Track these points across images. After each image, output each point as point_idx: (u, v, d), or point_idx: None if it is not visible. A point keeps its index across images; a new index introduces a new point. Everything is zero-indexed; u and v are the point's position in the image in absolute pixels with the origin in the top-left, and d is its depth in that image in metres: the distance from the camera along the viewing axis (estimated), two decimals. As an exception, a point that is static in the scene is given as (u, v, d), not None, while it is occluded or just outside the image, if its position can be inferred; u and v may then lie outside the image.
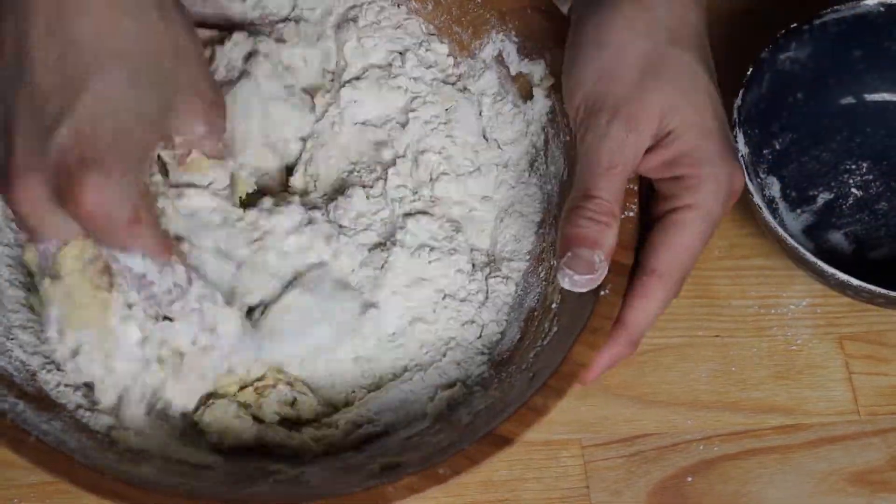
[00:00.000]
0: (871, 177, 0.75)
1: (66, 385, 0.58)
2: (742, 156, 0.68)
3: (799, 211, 0.74)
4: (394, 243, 0.64)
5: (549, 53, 0.66)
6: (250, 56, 0.66)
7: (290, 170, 0.67)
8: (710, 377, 0.69)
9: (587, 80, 0.59)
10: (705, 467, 0.66)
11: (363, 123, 0.68)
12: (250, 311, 0.61)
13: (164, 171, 0.59)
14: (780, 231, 0.66)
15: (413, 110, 0.68)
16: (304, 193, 0.66)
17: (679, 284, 0.59)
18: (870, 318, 0.71)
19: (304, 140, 0.67)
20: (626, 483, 0.66)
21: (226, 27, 0.68)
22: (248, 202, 0.63)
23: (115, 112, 0.53)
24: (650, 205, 0.60)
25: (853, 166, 0.75)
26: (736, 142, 0.67)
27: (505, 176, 0.68)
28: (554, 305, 0.61)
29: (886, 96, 0.76)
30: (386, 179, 0.66)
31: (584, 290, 0.57)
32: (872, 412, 0.69)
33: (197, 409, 0.60)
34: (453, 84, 0.70)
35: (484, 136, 0.69)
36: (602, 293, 0.58)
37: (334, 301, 0.62)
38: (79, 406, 0.58)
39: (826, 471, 0.67)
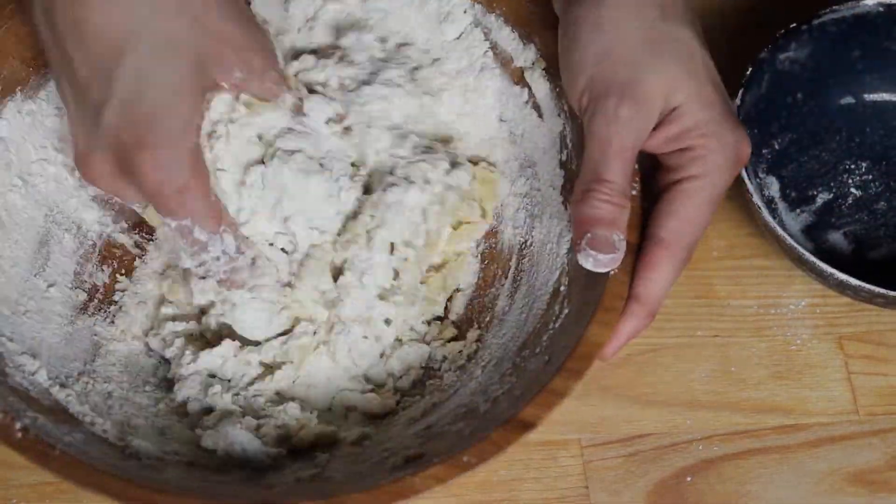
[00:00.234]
0: (870, 177, 0.75)
1: (79, 399, 0.59)
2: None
3: (798, 211, 0.74)
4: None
5: (537, 38, 0.66)
6: None
7: None
8: (709, 377, 0.69)
9: (588, 64, 0.60)
10: (705, 467, 0.66)
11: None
12: None
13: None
14: (780, 231, 0.66)
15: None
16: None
17: (688, 253, 0.59)
18: (869, 318, 0.71)
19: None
20: (625, 483, 0.66)
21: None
22: None
23: (148, 91, 0.57)
24: (655, 176, 0.61)
25: (852, 166, 0.75)
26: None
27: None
28: (562, 288, 0.61)
29: (885, 96, 0.76)
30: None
31: (606, 269, 0.57)
32: (871, 412, 0.69)
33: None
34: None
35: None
36: (611, 273, 0.58)
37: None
38: (93, 422, 0.58)
39: (825, 471, 0.67)
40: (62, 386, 0.59)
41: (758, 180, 0.73)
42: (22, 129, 0.64)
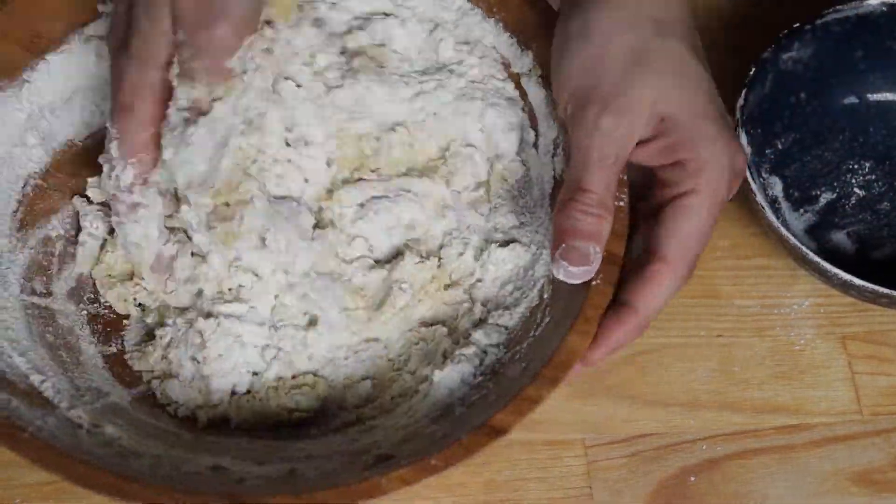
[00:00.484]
0: (873, 176, 0.75)
1: (56, 385, 0.59)
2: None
3: (801, 211, 0.74)
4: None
5: (535, 44, 0.66)
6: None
7: None
8: (712, 377, 0.69)
9: (574, 75, 0.60)
10: (708, 467, 0.66)
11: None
12: None
13: None
14: (783, 231, 0.66)
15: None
16: None
17: (690, 268, 0.59)
18: (872, 318, 0.71)
19: None
20: (628, 483, 0.66)
21: None
22: None
23: None
24: (653, 192, 0.60)
25: (856, 166, 0.75)
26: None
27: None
28: (545, 297, 0.61)
29: (889, 96, 0.76)
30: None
31: (578, 281, 0.57)
32: (875, 412, 0.69)
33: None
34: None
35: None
36: (594, 283, 0.58)
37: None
38: (71, 406, 0.58)
39: (829, 471, 0.67)
40: (39, 373, 0.59)
41: (761, 180, 0.73)
42: None
